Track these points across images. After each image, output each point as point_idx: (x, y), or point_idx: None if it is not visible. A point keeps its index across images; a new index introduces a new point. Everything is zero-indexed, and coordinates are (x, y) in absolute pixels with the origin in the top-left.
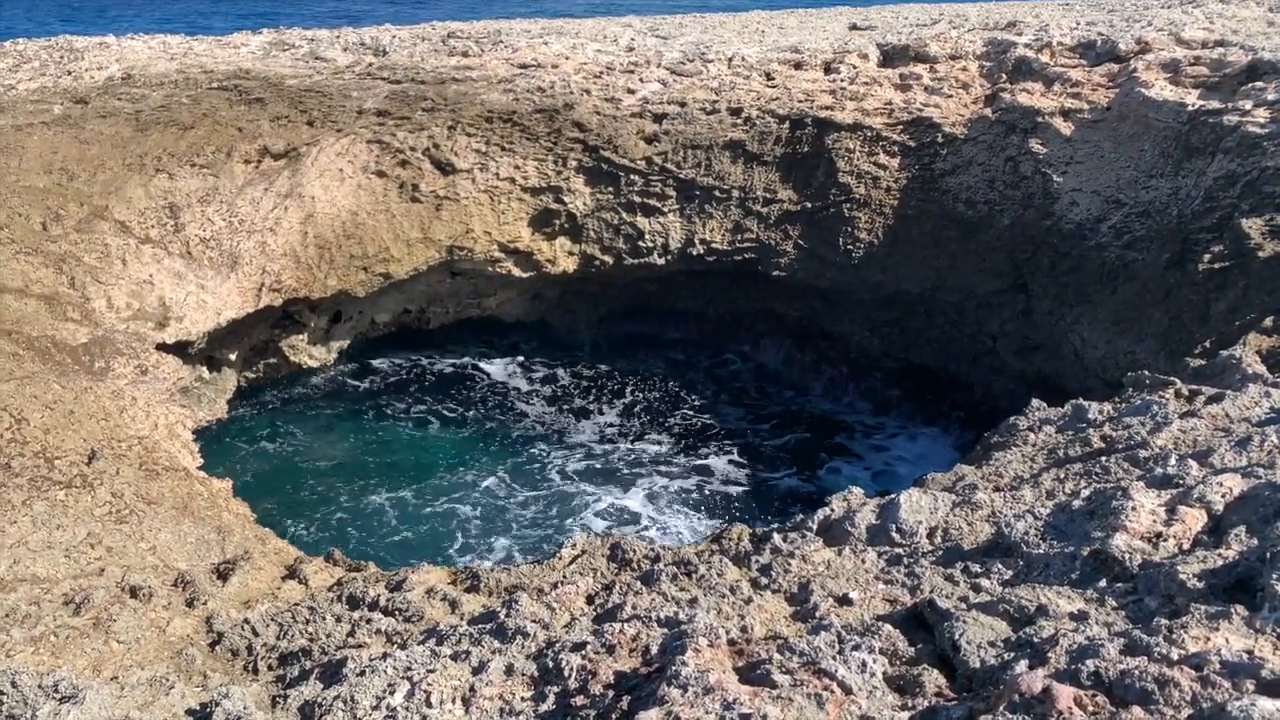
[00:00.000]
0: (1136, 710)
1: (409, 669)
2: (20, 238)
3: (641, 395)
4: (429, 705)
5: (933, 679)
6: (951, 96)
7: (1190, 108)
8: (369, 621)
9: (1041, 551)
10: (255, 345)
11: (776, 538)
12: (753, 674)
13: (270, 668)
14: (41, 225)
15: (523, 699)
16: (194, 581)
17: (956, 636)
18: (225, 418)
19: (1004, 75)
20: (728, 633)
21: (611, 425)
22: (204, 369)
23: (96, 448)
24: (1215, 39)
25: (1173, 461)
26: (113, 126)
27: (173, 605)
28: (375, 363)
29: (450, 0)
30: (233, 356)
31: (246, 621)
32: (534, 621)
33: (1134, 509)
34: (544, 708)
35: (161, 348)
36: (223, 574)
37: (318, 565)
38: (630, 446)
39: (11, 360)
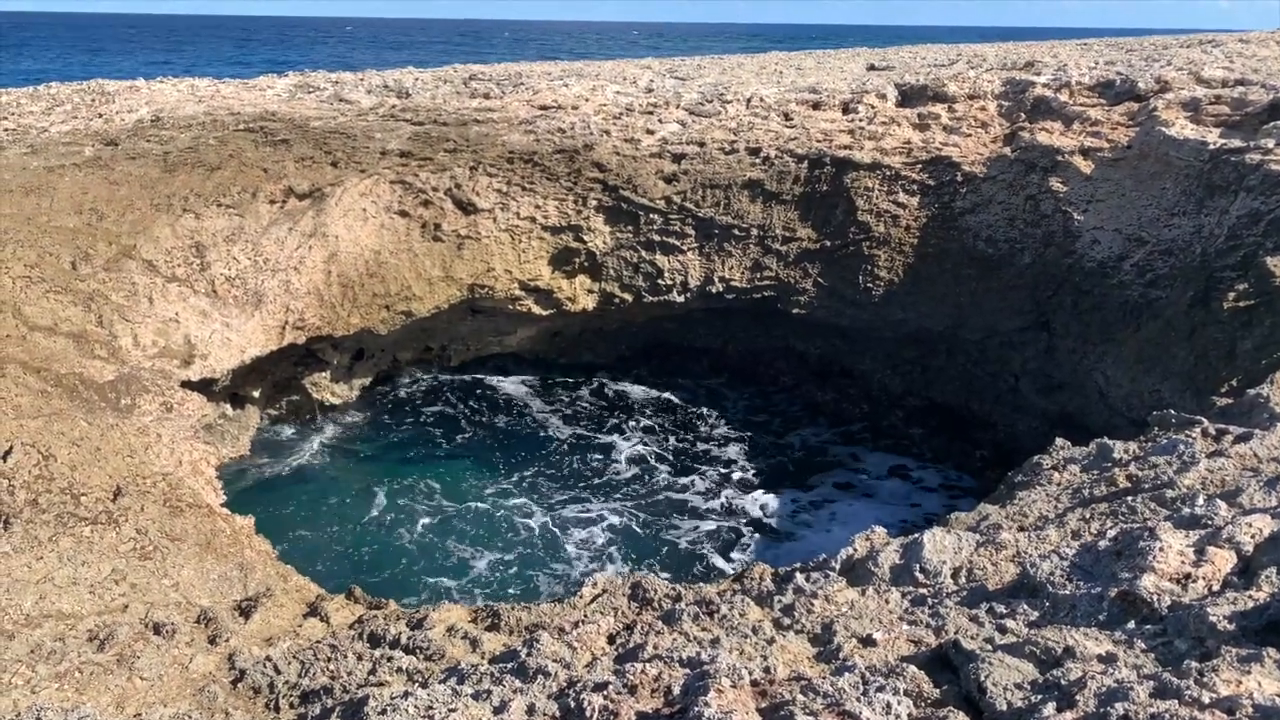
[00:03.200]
0: None
1: (430, 708)
2: (50, 276)
3: (657, 427)
4: None
5: None
6: (970, 135)
7: (1212, 146)
8: (390, 659)
9: (1068, 592)
10: (278, 382)
11: (799, 577)
12: (776, 715)
13: (292, 705)
14: (71, 264)
15: None
16: (216, 618)
17: (982, 678)
18: (248, 454)
19: (1023, 114)
20: (750, 673)
21: (631, 462)
22: (228, 406)
23: (122, 484)
24: (1235, 78)
25: (1200, 501)
26: (141, 167)
27: (195, 642)
28: (394, 402)
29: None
30: (256, 394)
31: (268, 659)
32: (555, 661)
33: (1162, 550)
34: None
35: (186, 385)
36: (245, 611)
37: (339, 603)
38: (646, 481)
39: (40, 397)
